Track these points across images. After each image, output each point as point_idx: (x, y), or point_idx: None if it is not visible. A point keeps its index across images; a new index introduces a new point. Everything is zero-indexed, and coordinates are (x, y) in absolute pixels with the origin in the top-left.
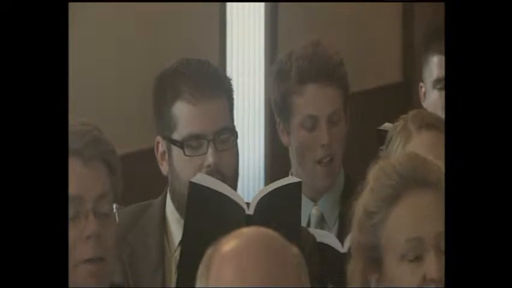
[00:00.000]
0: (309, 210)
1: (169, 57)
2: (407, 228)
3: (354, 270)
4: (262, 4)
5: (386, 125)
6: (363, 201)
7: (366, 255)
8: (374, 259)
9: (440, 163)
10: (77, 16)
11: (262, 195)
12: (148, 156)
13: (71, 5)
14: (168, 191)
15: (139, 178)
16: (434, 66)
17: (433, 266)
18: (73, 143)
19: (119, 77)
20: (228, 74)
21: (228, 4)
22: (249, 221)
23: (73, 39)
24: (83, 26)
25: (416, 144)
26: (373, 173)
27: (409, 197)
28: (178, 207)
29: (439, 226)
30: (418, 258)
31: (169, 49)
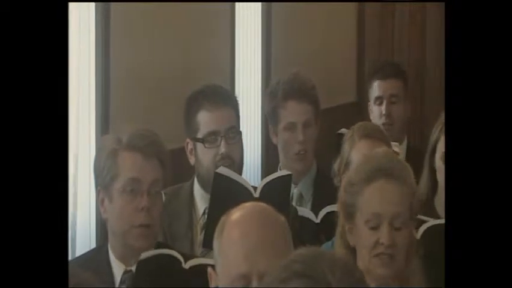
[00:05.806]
0: (291, 190)
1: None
2: (372, 205)
3: (341, 224)
4: (259, 8)
5: (343, 130)
6: (349, 175)
7: (346, 210)
8: (350, 213)
9: (404, 162)
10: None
11: (265, 183)
12: (180, 153)
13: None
14: (195, 177)
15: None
16: (375, 88)
17: (384, 234)
18: (137, 142)
19: (155, 94)
20: (236, 93)
21: (236, 4)
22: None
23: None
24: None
25: (358, 149)
26: (358, 160)
27: (377, 183)
28: (202, 186)
29: (395, 208)
30: (375, 228)
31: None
